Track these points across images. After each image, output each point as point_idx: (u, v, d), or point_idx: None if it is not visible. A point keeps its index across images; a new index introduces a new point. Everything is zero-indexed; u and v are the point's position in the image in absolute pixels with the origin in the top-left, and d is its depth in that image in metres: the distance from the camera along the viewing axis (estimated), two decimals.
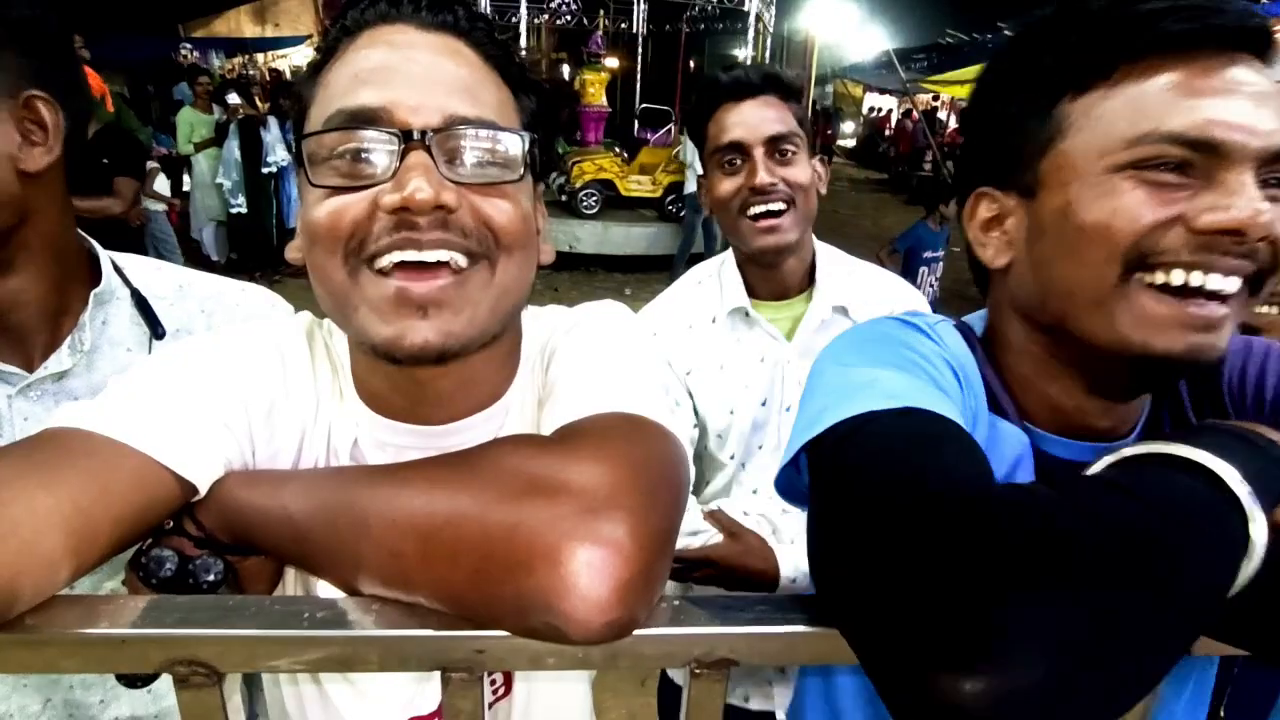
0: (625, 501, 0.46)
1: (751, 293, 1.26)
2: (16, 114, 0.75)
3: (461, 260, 0.54)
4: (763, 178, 1.16)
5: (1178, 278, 0.53)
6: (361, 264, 0.54)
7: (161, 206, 5.34)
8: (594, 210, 8.03)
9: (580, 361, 0.63)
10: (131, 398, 0.55)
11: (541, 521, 0.45)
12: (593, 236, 7.72)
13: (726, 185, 1.20)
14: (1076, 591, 0.40)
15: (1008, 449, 0.63)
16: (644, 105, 11.46)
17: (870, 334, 0.67)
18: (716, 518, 1.18)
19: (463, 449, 0.53)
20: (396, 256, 0.53)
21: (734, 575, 1.13)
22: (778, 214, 1.17)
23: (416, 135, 0.53)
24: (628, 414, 0.55)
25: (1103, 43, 0.55)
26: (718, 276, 1.29)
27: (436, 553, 0.47)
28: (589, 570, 0.44)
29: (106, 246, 0.90)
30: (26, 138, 0.76)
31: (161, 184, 5.38)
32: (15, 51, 0.75)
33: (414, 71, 0.55)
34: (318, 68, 0.59)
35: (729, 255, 1.30)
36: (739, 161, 1.19)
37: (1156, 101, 0.53)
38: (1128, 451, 0.52)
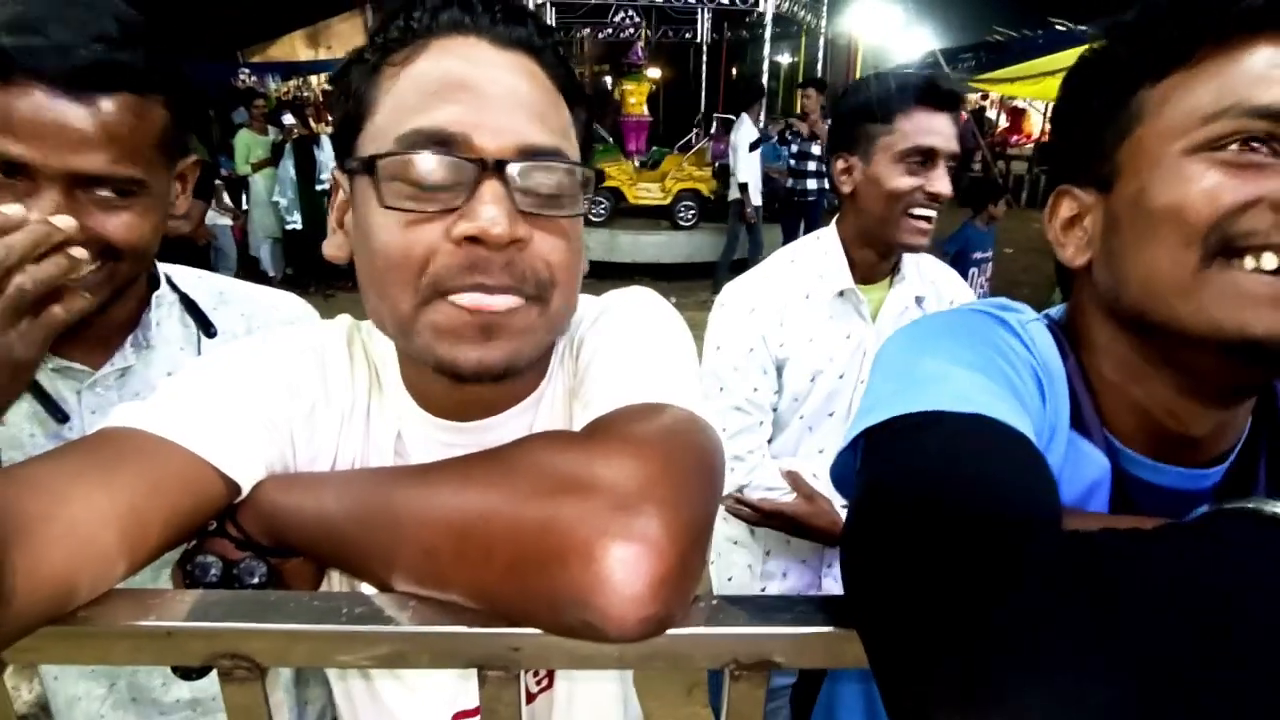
0: (657, 495, 0.46)
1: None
2: (179, 171, 0.85)
3: (521, 302, 0.55)
4: (945, 188, 1.27)
5: (1270, 262, 0.49)
6: (435, 295, 0.54)
7: (227, 220, 5.64)
8: (601, 218, 8.00)
9: (608, 352, 0.62)
10: (181, 399, 0.57)
11: (574, 518, 0.45)
12: (600, 245, 7.69)
13: (905, 182, 1.27)
14: (1119, 658, 0.35)
15: (1085, 471, 0.60)
16: (718, 115, 11.44)
17: (952, 324, 0.64)
18: (794, 478, 1.34)
19: (494, 447, 0.53)
20: (465, 299, 0.53)
21: (801, 531, 1.33)
22: (931, 219, 1.30)
23: (493, 164, 0.52)
24: (658, 405, 0.54)
25: (1181, 26, 0.53)
26: (815, 256, 1.39)
27: (469, 550, 0.47)
28: (623, 566, 0.43)
29: (174, 262, 0.98)
30: (176, 186, 0.86)
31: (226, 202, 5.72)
32: (186, 118, 0.84)
33: (493, 94, 0.54)
34: (376, 66, 0.57)
35: (829, 238, 1.39)
36: (921, 164, 1.27)
37: (1239, 79, 0.50)
38: (1228, 506, 0.44)
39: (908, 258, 1.41)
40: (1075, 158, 0.62)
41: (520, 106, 0.55)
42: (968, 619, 0.37)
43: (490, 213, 0.51)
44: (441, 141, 0.53)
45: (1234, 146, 0.50)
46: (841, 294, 1.36)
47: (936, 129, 1.27)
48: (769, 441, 1.43)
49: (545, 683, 0.70)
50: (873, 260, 1.37)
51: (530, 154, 0.54)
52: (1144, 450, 0.60)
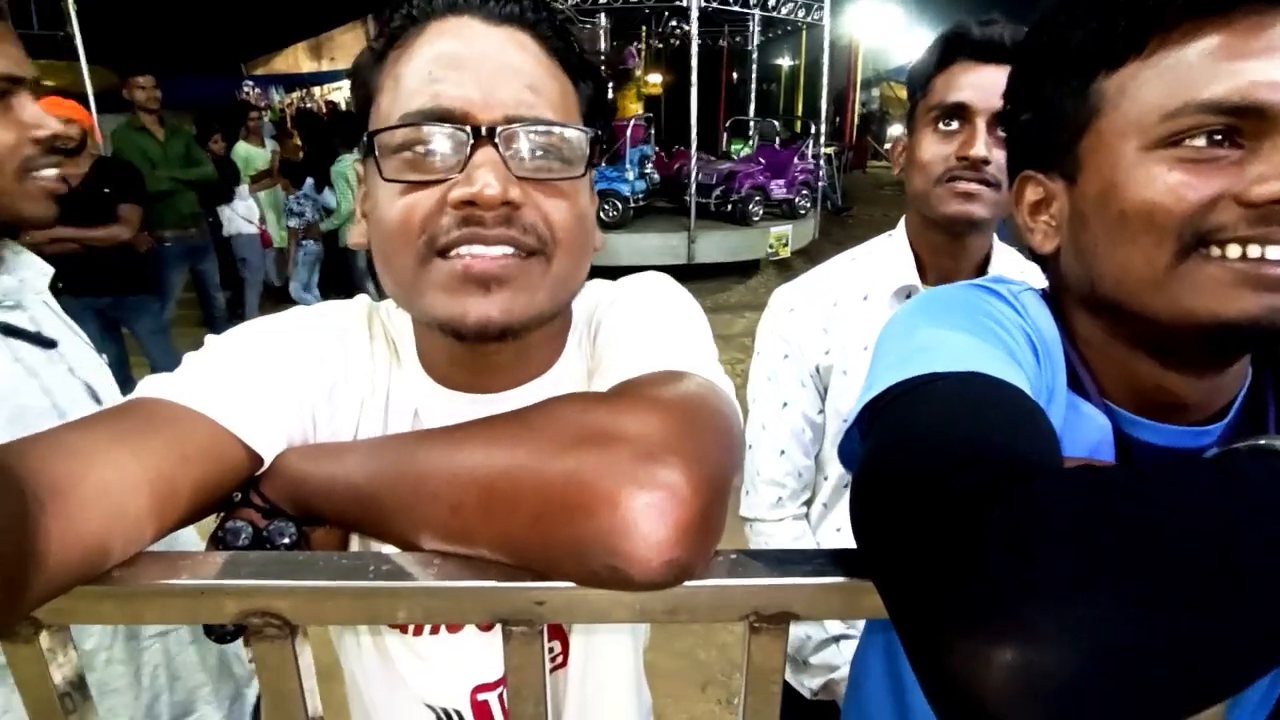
0: (681, 447, 0.46)
1: (920, 276, 1.17)
2: None
3: (520, 254, 0.57)
4: (979, 150, 1.04)
5: (1234, 252, 0.50)
6: (432, 254, 0.56)
7: (253, 229, 5.78)
8: None
9: (626, 329, 0.64)
10: (207, 372, 0.58)
11: (599, 467, 0.46)
12: None
13: (936, 149, 1.08)
14: (1140, 582, 0.35)
15: (1087, 432, 0.60)
16: (735, 117, 11.35)
17: (944, 298, 0.65)
18: None
19: (518, 408, 0.54)
20: (463, 250, 0.55)
21: None
22: (976, 186, 1.07)
23: (485, 131, 0.55)
24: (678, 372, 0.56)
25: (1133, 13, 0.52)
26: (881, 253, 1.20)
27: (496, 503, 0.48)
28: (649, 511, 0.44)
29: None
30: None
31: (250, 210, 5.86)
32: None
33: (484, 68, 0.57)
34: (381, 54, 0.61)
35: (896, 235, 1.21)
36: (956, 126, 1.07)
37: (1193, 70, 0.50)
38: (1240, 445, 0.45)
39: (998, 257, 1.17)
40: (1036, 144, 0.62)
41: (511, 77, 0.57)
42: (976, 548, 0.38)
43: (484, 176, 0.53)
44: (437, 117, 0.56)
45: (1192, 142, 0.50)
46: (908, 295, 1.15)
47: (975, 83, 1.05)
48: (808, 504, 1.21)
49: (561, 659, 0.71)
50: (941, 252, 1.15)
51: (522, 121, 0.56)
52: (1140, 412, 0.61)
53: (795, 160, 9.31)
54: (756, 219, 8.53)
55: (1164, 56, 0.52)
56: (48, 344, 0.93)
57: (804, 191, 9.28)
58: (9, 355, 0.89)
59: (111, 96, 5.22)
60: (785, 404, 1.18)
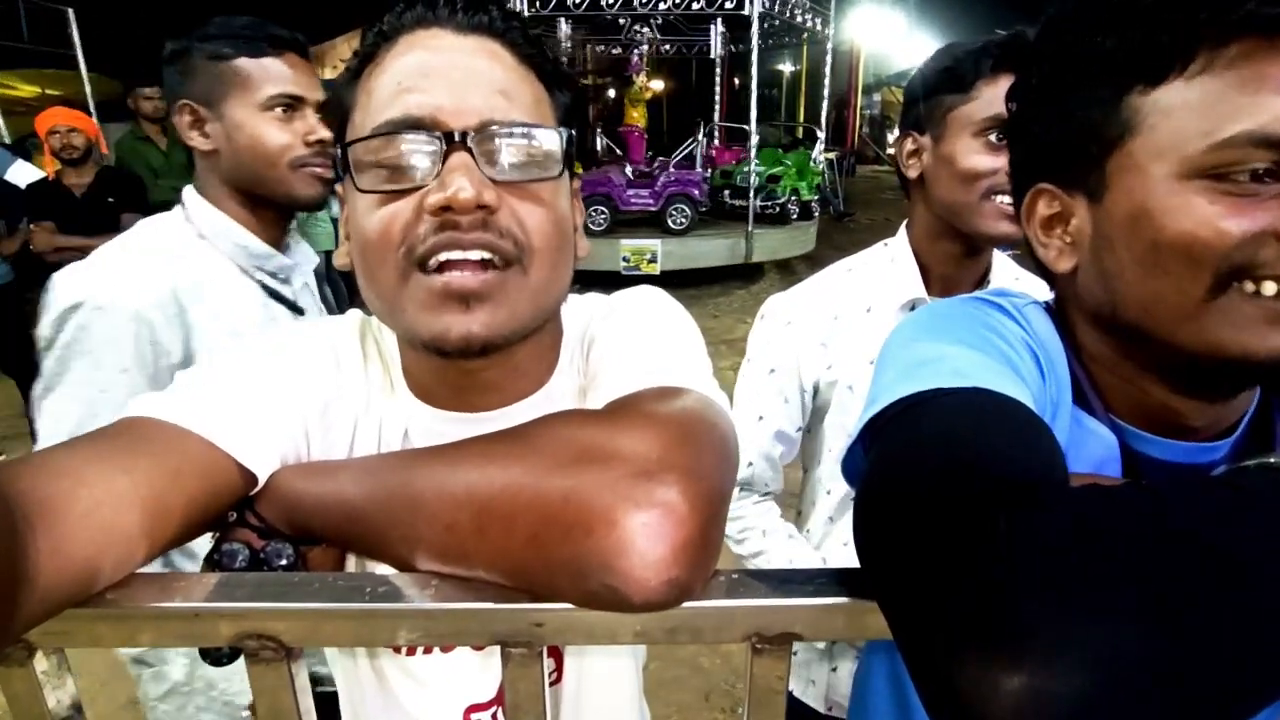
0: (678, 465, 0.46)
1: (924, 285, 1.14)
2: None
3: (498, 261, 0.56)
4: None
5: (1270, 289, 0.48)
6: (412, 266, 0.55)
7: None
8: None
9: (620, 344, 0.63)
10: (200, 391, 0.58)
11: (596, 486, 0.45)
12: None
13: (986, 161, 1.03)
14: (1146, 591, 0.34)
15: (1092, 449, 0.59)
16: (724, 124, 11.14)
17: (946, 311, 0.63)
18: None
19: (513, 426, 0.54)
20: (442, 256, 0.55)
21: None
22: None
23: (458, 137, 0.55)
24: (674, 388, 0.55)
25: (1179, 26, 0.48)
26: (881, 264, 1.16)
27: (491, 523, 0.47)
28: (646, 530, 0.43)
29: None
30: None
31: None
32: None
33: (454, 77, 0.57)
34: (356, 72, 0.61)
35: (896, 244, 1.17)
36: (1004, 139, 1.01)
37: (1242, 97, 0.46)
38: (1249, 463, 0.44)
39: (999, 266, 1.15)
40: (1053, 156, 0.58)
41: (482, 84, 0.57)
42: (980, 560, 0.37)
43: (457, 181, 0.53)
44: (408, 125, 0.55)
45: (1239, 176, 0.47)
46: (913, 307, 1.10)
47: None
48: (800, 513, 1.22)
49: (555, 675, 0.70)
50: (953, 262, 1.12)
51: (494, 125, 0.56)
52: (1146, 428, 0.59)
53: (670, 169, 8.45)
54: (597, 230, 7.87)
55: (1212, 77, 0.48)
56: (299, 311, 1.24)
57: (680, 205, 8.14)
58: (268, 315, 1.19)
59: (114, 105, 5.24)
60: (760, 417, 1.17)
